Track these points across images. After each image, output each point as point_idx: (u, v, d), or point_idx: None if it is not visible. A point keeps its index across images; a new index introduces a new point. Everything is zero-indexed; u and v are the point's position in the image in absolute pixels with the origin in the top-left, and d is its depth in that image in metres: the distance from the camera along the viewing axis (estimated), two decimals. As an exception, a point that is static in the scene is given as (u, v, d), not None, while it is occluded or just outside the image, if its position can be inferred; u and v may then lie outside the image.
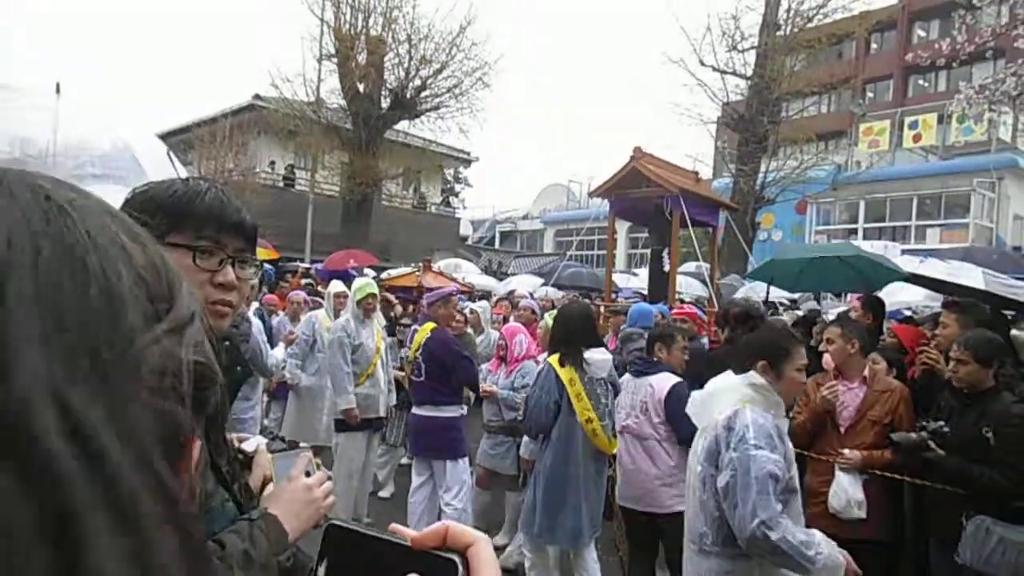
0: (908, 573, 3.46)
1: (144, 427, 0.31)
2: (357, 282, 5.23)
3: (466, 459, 4.57)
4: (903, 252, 8.26)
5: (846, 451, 3.33)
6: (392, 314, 6.81)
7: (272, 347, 5.01)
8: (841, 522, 3.31)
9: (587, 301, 7.12)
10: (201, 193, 1.09)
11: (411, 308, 7.79)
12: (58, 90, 6.82)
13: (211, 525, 1.08)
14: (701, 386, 4.39)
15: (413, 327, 4.84)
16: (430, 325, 4.50)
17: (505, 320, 6.73)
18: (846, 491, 3.28)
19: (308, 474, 1.27)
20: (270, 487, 1.27)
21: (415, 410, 4.54)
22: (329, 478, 1.32)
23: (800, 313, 7.05)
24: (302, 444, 1.40)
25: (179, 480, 0.34)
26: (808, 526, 3.45)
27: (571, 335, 3.73)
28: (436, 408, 4.41)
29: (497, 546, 4.66)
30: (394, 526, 0.46)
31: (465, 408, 4.71)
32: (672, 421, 3.65)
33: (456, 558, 0.43)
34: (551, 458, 3.63)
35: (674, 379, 3.71)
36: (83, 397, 0.28)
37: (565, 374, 3.63)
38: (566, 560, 3.92)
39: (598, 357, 3.70)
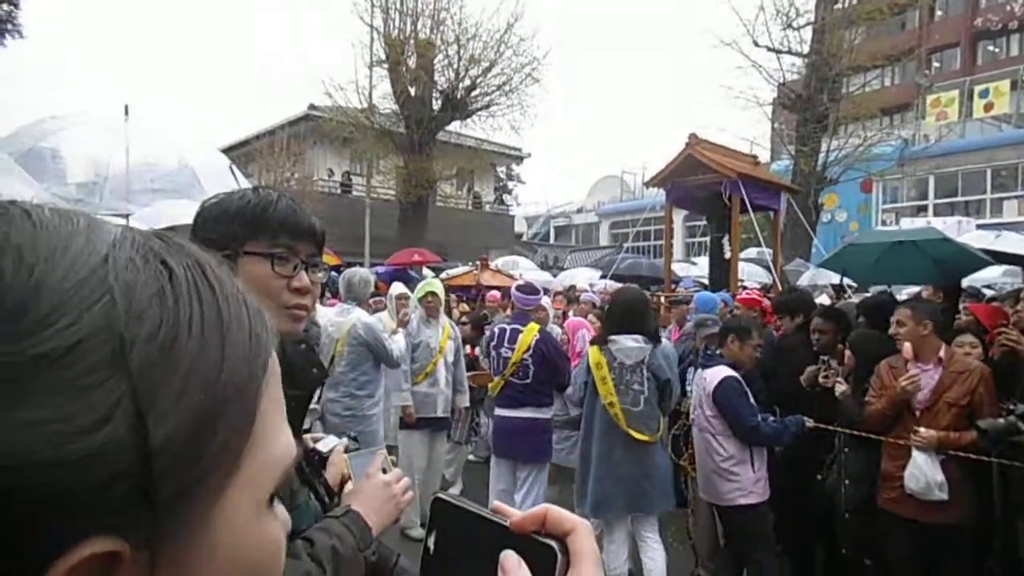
0: (999, 558, 3.33)
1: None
2: (422, 282, 5.33)
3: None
4: (978, 227, 7.85)
5: (921, 430, 3.25)
6: (450, 314, 6.90)
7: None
8: (921, 505, 3.24)
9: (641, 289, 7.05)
10: (274, 202, 1.13)
11: (470, 306, 7.88)
12: (127, 112, 7.19)
13: (298, 523, 1.10)
14: (769, 377, 4.35)
15: (500, 327, 4.75)
16: (535, 327, 4.48)
17: (564, 316, 6.74)
18: (924, 472, 3.20)
19: (384, 471, 1.30)
20: (349, 485, 1.32)
21: (508, 412, 4.45)
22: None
23: (865, 295, 6.79)
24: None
25: None
26: (885, 511, 3.44)
27: (623, 320, 3.77)
28: (538, 410, 4.41)
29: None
30: (497, 504, 0.45)
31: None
32: (724, 415, 3.62)
33: (555, 544, 0.41)
34: (582, 434, 3.88)
35: (726, 372, 3.65)
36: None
37: (594, 357, 3.74)
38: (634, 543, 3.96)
39: (625, 344, 3.72)
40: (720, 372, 3.68)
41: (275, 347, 0.37)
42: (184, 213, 6.83)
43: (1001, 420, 2.99)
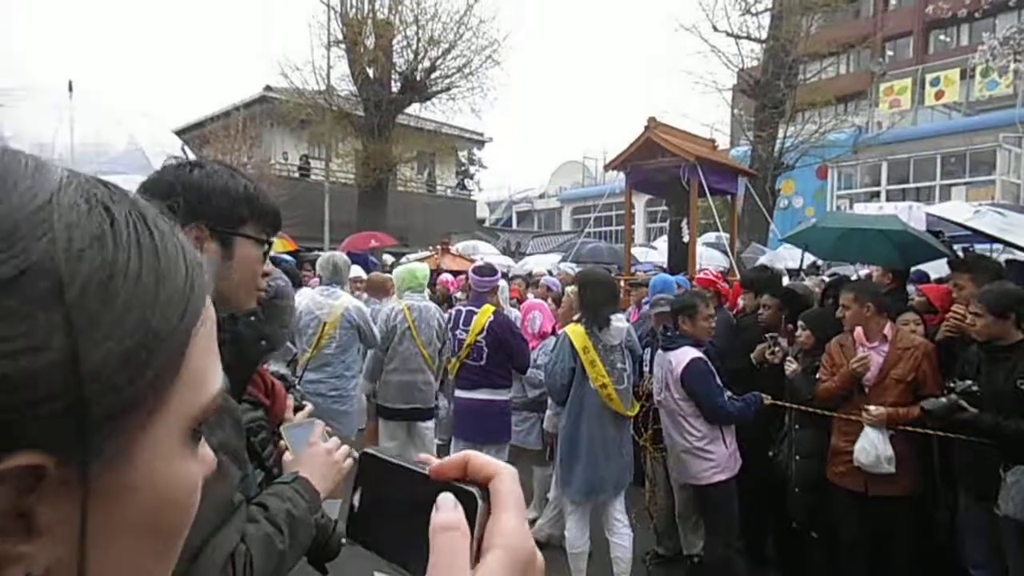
0: (940, 528, 3.44)
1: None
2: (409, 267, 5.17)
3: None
4: (928, 214, 8.03)
5: (872, 408, 3.35)
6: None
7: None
8: (870, 479, 3.36)
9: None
10: (263, 194, 1.24)
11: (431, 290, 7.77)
12: (71, 88, 6.86)
13: (245, 492, 1.17)
14: (725, 355, 4.40)
15: (457, 309, 4.72)
16: (490, 308, 4.46)
17: (520, 300, 6.70)
18: (875, 447, 3.31)
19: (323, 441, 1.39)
20: (287, 456, 1.37)
21: (466, 394, 4.45)
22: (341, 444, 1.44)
23: (816, 279, 6.92)
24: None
25: None
26: (835, 486, 3.53)
27: (596, 302, 3.73)
28: (494, 391, 4.39)
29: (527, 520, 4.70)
30: (423, 456, 0.45)
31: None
32: (693, 397, 3.65)
33: (475, 490, 0.41)
34: (566, 420, 3.78)
35: (692, 354, 3.68)
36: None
37: (579, 341, 3.67)
38: (598, 519, 3.96)
39: (615, 324, 3.71)
40: (686, 354, 3.69)
41: (225, 313, 0.39)
42: (134, 187, 6.57)
43: (943, 399, 3.07)
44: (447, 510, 0.40)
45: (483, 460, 0.43)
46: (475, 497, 0.41)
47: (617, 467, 3.76)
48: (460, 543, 0.39)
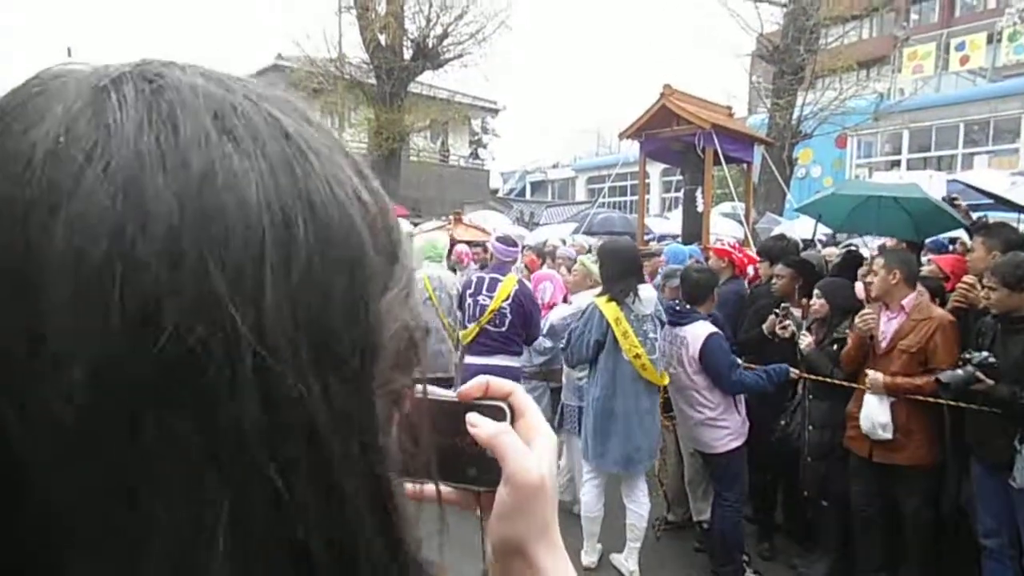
0: (950, 499, 3.44)
1: (387, 420, 0.31)
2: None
3: None
4: (957, 182, 7.86)
5: (870, 373, 3.39)
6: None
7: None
8: (874, 445, 3.41)
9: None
10: None
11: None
12: (69, 55, 6.84)
13: None
14: (736, 325, 4.38)
15: (478, 276, 4.70)
16: (514, 277, 4.52)
17: (531, 271, 6.69)
18: (871, 412, 3.37)
19: None
20: None
21: (481, 360, 4.43)
22: None
23: (834, 250, 6.83)
24: None
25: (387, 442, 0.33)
26: (847, 451, 3.56)
27: (624, 271, 3.71)
28: (511, 358, 4.42)
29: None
30: (434, 389, 0.48)
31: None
32: (711, 373, 3.65)
33: (503, 404, 0.49)
34: (599, 392, 3.75)
35: (709, 329, 3.67)
36: (334, 420, 0.27)
37: (611, 313, 3.65)
38: (616, 486, 4.01)
39: (644, 294, 3.71)
40: (703, 329, 3.69)
41: None
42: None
43: (960, 372, 3.04)
44: (487, 422, 0.47)
45: (499, 381, 0.50)
46: (504, 409, 0.49)
47: (651, 436, 3.81)
48: (517, 438, 0.46)
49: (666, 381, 3.79)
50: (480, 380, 0.50)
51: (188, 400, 0.23)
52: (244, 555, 0.24)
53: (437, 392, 0.48)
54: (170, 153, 0.24)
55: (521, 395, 0.50)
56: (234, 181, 0.25)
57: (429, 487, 0.43)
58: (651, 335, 3.68)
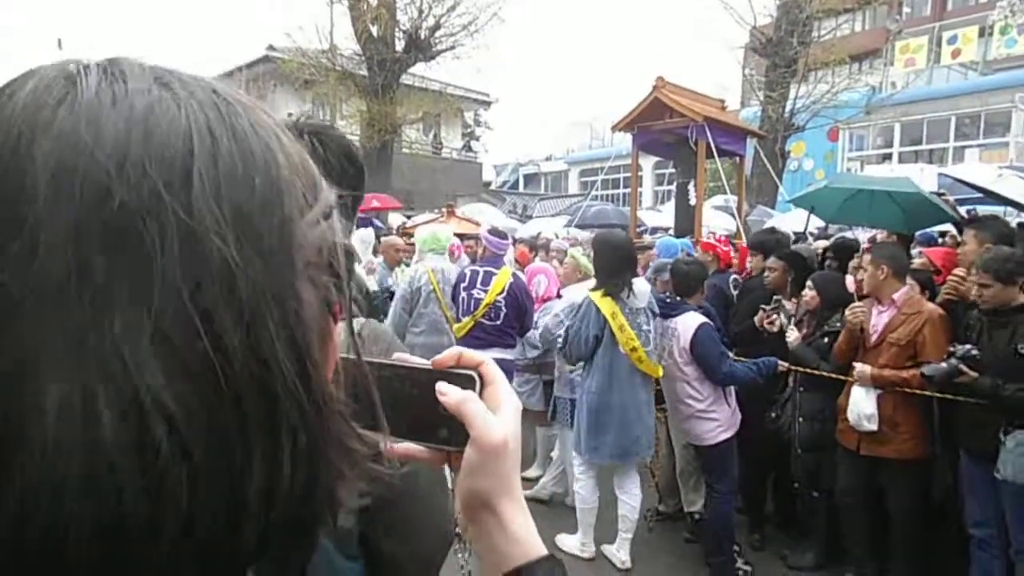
0: (939, 490, 3.48)
1: (306, 299, 0.35)
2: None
3: None
4: (944, 175, 7.89)
5: (857, 365, 3.42)
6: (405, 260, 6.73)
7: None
8: (862, 437, 3.44)
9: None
10: None
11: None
12: (60, 46, 6.76)
13: None
14: (726, 317, 4.40)
15: (472, 269, 4.67)
16: (508, 270, 4.53)
17: (522, 265, 6.68)
18: (857, 404, 3.41)
19: None
20: None
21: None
22: None
23: (825, 242, 6.86)
24: None
25: (329, 353, 0.40)
26: (837, 443, 3.60)
27: (619, 265, 3.71)
28: (504, 351, 4.42)
29: (530, 478, 4.79)
30: (402, 355, 0.56)
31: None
32: (702, 364, 3.67)
33: (472, 373, 0.53)
34: (595, 386, 3.75)
35: (699, 320, 3.69)
36: (253, 277, 0.33)
37: (607, 307, 3.65)
38: (607, 478, 4.03)
39: (638, 287, 3.72)
40: (693, 319, 3.70)
41: None
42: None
43: (944, 364, 3.07)
44: (455, 390, 0.52)
45: (470, 352, 0.55)
46: (474, 378, 0.53)
47: (649, 428, 3.83)
48: (481, 404, 0.52)
49: (660, 372, 3.81)
50: (453, 351, 0.55)
51: (129, 253, 0.30)
52: (169, 361, 0.30)
53: (412, 360, 0.55)
54: (120, 98, 0.33)
55: (491, 366, 0.55)
56: (169, 112, 0.33)
57: (403, 445, 0.53)
58: (645, 327, 3.70)
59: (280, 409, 0.33)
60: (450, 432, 0.52)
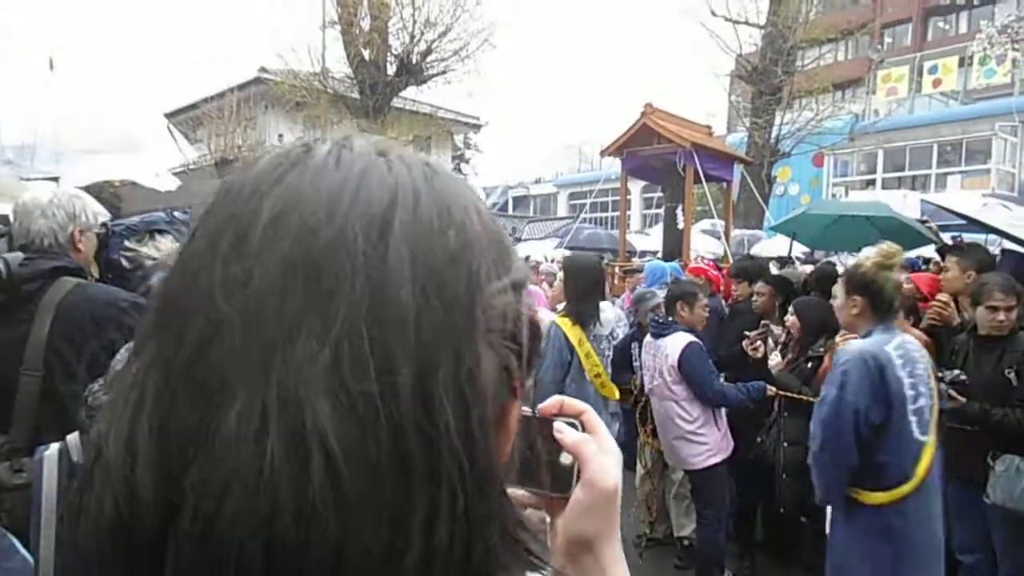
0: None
1: (484, 363, 0.36)
2: None
3: None
4: (929, 203, 8.04)
5: None
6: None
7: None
8: None
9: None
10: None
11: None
12: (52, 66, 6.78)
13: None
14: (717, 343, 4.42)
15: None
16: None
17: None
18: None
19: None
20: None
21: None
22: None
23: (811, 267, 6.93)
24: None
25: (506, 429, 0.40)
26: None
27: (587, 291, 3.66)
28: None
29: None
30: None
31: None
32: (691, 383, 3.66)
33: (576, 422, 0.55)
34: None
35: (687, 339, 3.69)
36: (432, 325, 0.34)
37: (574, 335, 3.56)
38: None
39: (604, 315, 3.69)
40: (681, 340, 3.69)
41: None
42: (120, 167, 6.53)
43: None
44: (572, 431, 0.53)
45: (571, 400, 0.57)
46: (578, 426, 0.54)
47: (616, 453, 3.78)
48: (596, 446, 0.53)
49: (616, 394, 3.75)
50: (556, 399, 0.56)
51: (322, 288, 0.33)
52: (337, 396, 0.32)
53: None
54: (343, 161, 0.37)
55: (591, 414, 0.56)
56: (380, 172, 0.37)
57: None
58: (607, 352, 3.67)
59: (441, 465, 0.33)
60: (552, 478, 0.53)
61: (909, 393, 2.38)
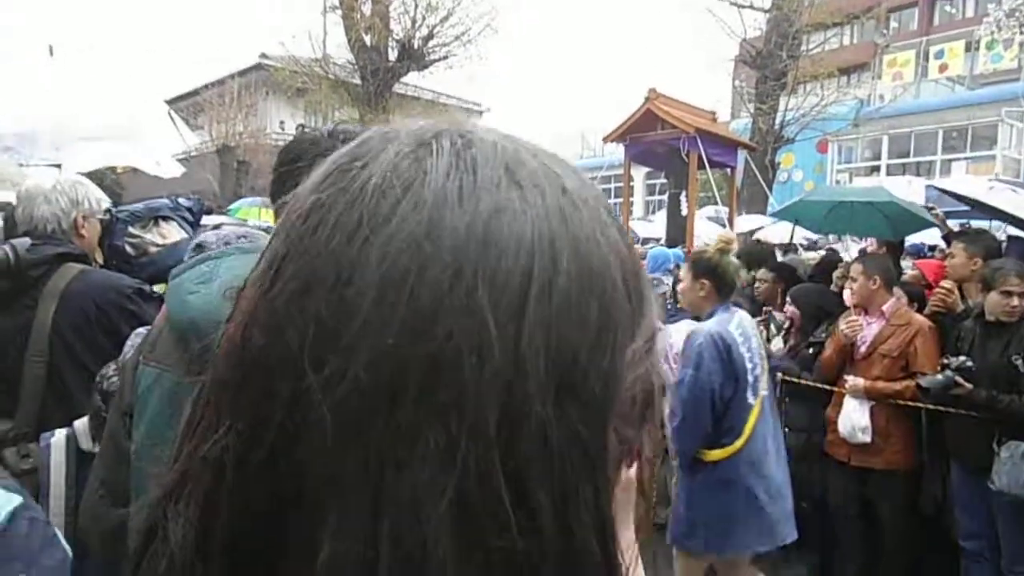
0: (928, 501, 3.49)
1: (607, 446, 0.31)
2: None
3: None
4: (935, 187, 7.98)
5: (849, 378, 3.43)
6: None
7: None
8: (852, 450, 3.45)
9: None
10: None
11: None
12: (52, 53, 6.74)
13: None
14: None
15: None
16: None
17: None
18: (850, 416, 3.40)
19: None
20: None
21: None
22: None
23: (814, 254, 6.92)
24: None
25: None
26: (825, 453, 3.61)
27: None
28: None
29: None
30: None
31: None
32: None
33: None
34: None
35: (691, 327, 3.68)
36: (569, 435, 0.29)
37: None
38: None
39: None
40: (685, 328, 3.69)
41: None
42: (122, 154, 6.50)
43: (939, 376, 3.08)
44: None
45: None
46: None
47: None
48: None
49: None
50: None
51: (442, 392, 0.27)
52: (464, 538, 0.26)
53: None
54: (467, 194, 0.30)
55: None
56: (513, 219, 0.30)
57: None
58: None
59: None
60: None
61: (748, 366, 2.71)
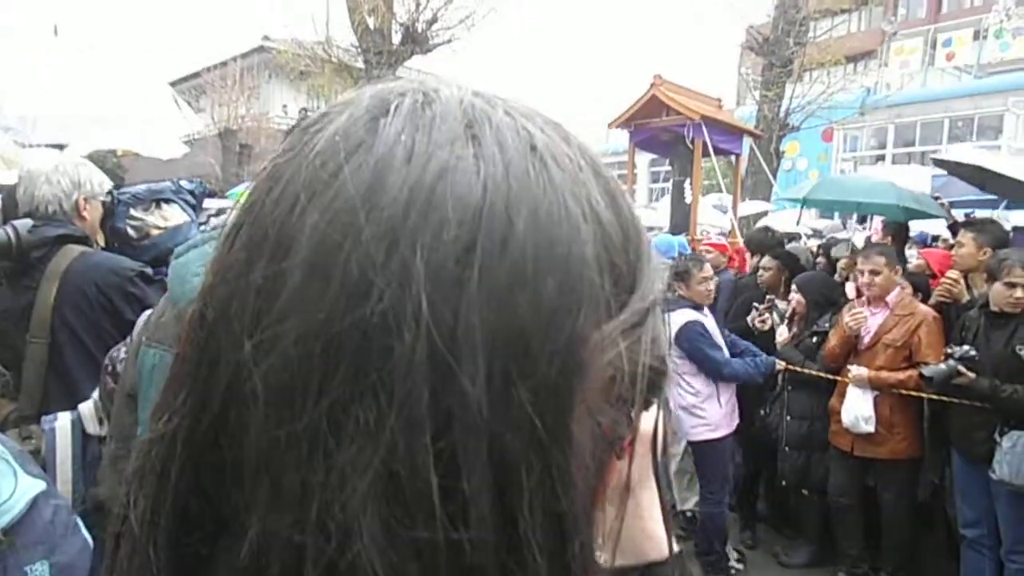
0: (928, 489, 3.50)
1: (576, 443, 0.28)
2: None
3: None
4: (934, 176, 7.92)
5: (853, 368, 3.42)
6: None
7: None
8: (856, 439, 3.45)
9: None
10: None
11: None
12: (56, 32, 6.69)
13: None
14: (725, 317, 4.40)
15: None
16: None
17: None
18: (854, 406, 3.41)
19: None
20: None
21: None
22: None
23: (817, 242, 6.88)
24: None
25: (602, 500, 0.32)
26: (829, 443, 3.61)
27: None
28: None
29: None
30: None
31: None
32: (694, 359, 3.66)
33: None
34: None
35: (688, 316, 3.67)
36: (516, 421, 0.26)
37: None
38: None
39: None
40: (681, 316, 3.69)
41: None
42: (126, 138, 6.46)
43: (943, 366, 3.07)
44: None
45: None
46: None
47: None
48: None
49: None
50: None
51: (372, 369, 0.26)
52: (390, 520, 0.25)
53: None
54: (417, 154, 0.28)
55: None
56: (462, 179, 0.28)
57: None
58: None
59: None
60: None
61: None
